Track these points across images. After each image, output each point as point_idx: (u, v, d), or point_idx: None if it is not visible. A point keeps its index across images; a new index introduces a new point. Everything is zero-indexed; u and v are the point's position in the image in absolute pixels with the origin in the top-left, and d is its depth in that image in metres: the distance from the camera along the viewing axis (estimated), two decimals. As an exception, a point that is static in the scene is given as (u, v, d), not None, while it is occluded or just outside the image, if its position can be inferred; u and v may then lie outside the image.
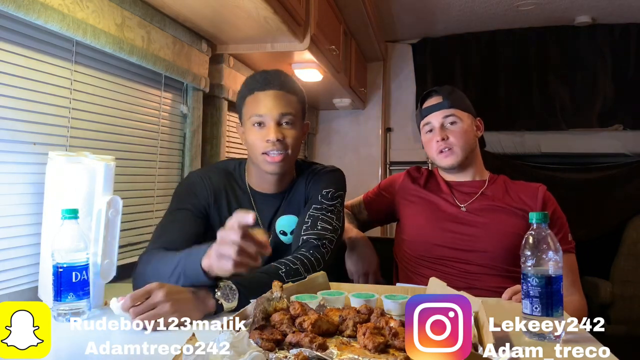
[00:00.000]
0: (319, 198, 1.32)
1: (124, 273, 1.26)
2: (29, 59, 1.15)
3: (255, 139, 1.27)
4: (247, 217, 0.95)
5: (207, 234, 1.27)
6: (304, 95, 1.36)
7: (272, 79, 1.29)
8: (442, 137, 1.51)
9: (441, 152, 1.53)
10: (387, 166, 3.59)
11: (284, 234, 1.34)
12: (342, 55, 2.58)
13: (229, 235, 0.96)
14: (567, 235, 1.46)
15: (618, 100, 3.22)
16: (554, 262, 0.88)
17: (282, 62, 2.16)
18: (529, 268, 0.89)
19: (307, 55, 2.02)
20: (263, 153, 1.26)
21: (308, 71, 2.26)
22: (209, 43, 1.85)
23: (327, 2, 2.20)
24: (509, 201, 1.50)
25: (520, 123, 3.31)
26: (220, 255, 0.97)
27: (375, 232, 2.29)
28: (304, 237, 1.26)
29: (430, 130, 1.56)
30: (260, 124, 1.27)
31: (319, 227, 1.27)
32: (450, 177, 1.60)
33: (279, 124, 1.27)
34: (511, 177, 1.62)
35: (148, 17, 1.46)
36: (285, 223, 1.35)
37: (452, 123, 1.53)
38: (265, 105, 1.26)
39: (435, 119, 1.54)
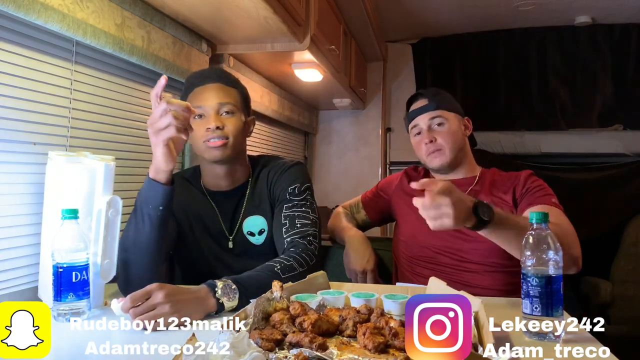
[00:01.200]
0: (287, 196, 1.33)
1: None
2: (29, 59, 1.15)
3: (196, 129, 1.29)
4: (159, 82, 1.04)
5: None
6: (246, 90, 1.40)
7: (210, 74, 1.34)
8: (429, 139, 1.52)
9: (430, 153, 1.53)
10: (387, 166, 3.60)
11: (252, 234, 1.35)
12: (342, 55, 2.58)
13: (156, 111, 1.04)
14: (551, 195, 1.42)
15: (618, 100, 3.22)
16: (554, 262, 0.88)
17: (282, 62, 2.16)
18: (529, 268, 0.89)
19: (307, 55, 2.02)
20: (204, 141, 1.29)
21: (308, 71, 2.26)
22: (209, 43, 1.85)
23: (327, 2, 2.20)
24: (495, 191, 1.50)
25: (520, 123, 3.31)
26: (158, 130, 1.05)
27: (375, 231, 2.29)
28: (288, 239, 1.27)
29: (419, 133, 1.56)
30: (201, 116, 1.30)
31: (299, 225, 1.28)
32: (440, 176, 1.60)
33: (218, 113, 1.30)
34: None
35: (148, 17, 1.46)
36: (252, 224, 1.36)
37: (439, 124, 1.53)
38: (204, 98, 1.30)
39: (422, 121, 1.55)
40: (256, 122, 1.50)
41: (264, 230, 1.35)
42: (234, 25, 1.71)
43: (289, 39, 1.84)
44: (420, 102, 1.58)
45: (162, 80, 1.05)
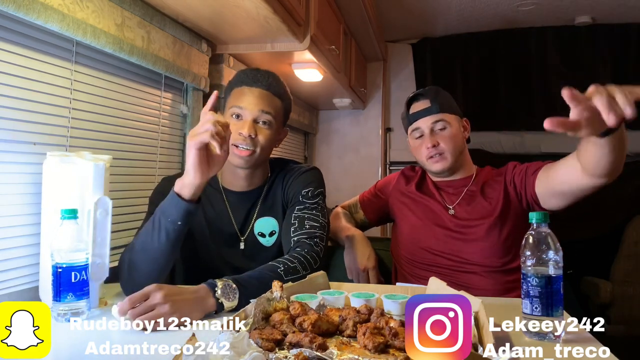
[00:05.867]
0: (300, 198, 1.33)
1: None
2: (29, 59, 1.15)
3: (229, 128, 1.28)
4: (211, 98, 1.11)
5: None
6: (290, 102, 1.39)
7: (262, 78, 1.32)
8: (432, 143, 1.50)
9: (431, 157, 1.52)
10: (387, 166, 3.59)
11: (262, 235, 1.36)
12: (342, 55, 2.58)
13: (200, 121, 1.08)
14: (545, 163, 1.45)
15: (618, 100, 3.21)
16: (554, 262, 0.88)
17: (282, 62, 2.16)
18: (529, 268, 0.89)
19: (307, 55, 2.02)
20: (232, 144, 1.28)
21: (308, 71, 2.26)
22: (209, 43, 1.85)
23: (327, 2, 2.20)
24: (487, 190, 1.51)
25: (520, 123, 3.31)
26: (194, 135, 1.07)
27: (375, 231, 2.29)
28: (295, 239, 1.27)
29: (420, 136, 1.55)
30: (238, 116, 1.29)
31: (307, 226, 1.28)
32: (437, 178, 1.60)
33: (255, 121, 1.29)
34: None
35: (148, 17, 1.46)
36: (264, 225, 1.36)
37: (441, 129, 1.52)
38: (248, 100, 1.29)
39: (424, 124, 1.53)
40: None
41: (275, 232, 1.36)
42: (234, 25, 1.70)
43: (289, 39, 1.84)
44: (422, 104, 1.55)
45: (213, 97, 1.09)
